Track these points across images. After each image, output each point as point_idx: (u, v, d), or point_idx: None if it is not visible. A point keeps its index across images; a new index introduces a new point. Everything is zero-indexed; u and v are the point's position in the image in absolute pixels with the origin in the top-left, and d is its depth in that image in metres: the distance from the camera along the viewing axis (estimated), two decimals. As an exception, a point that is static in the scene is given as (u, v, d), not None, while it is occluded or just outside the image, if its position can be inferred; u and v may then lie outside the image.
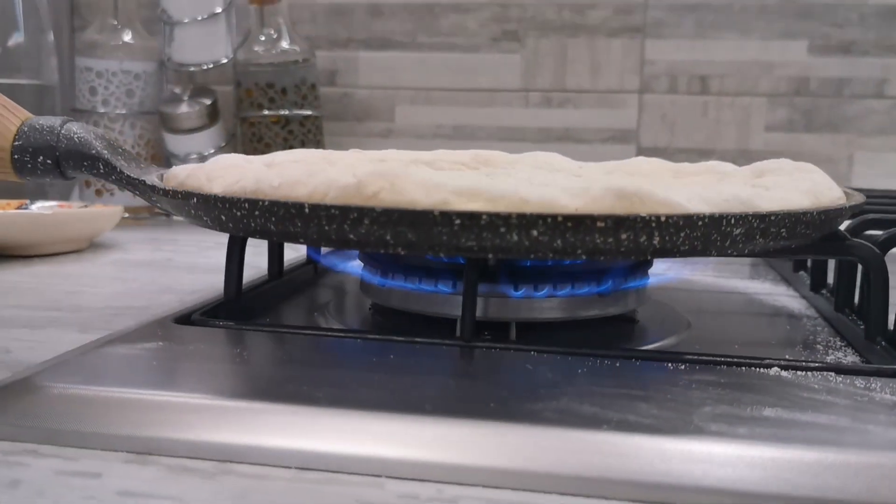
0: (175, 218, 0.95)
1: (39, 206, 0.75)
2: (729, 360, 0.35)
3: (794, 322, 0.47)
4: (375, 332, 0.39)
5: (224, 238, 0.42)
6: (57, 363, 0.33)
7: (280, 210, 0.31)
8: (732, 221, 0.30)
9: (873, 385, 0.32)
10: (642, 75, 0.95)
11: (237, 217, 0.32)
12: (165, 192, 0.35)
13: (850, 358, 0.38)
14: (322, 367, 0.34)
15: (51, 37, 0.89)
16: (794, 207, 0.33)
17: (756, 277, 0.62)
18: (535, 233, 0.29)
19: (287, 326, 0.40)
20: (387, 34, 0.99)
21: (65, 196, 0.91)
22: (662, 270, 0.47)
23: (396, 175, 0.29)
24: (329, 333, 0.38)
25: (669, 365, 0.34)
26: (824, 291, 0.51)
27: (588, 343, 0.38)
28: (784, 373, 0.33)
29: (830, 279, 0.50)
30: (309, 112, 0.90)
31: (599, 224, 0.28)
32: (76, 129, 0.40)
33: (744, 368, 0.34)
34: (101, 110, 0.89)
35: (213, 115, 0.90)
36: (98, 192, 0.91)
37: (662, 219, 0.29)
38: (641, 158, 0.51)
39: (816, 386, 0.32)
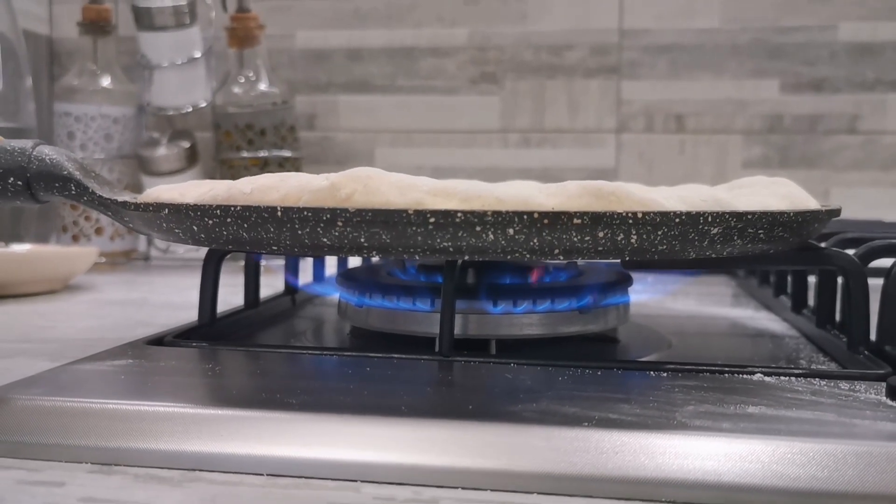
0: (153, 260, 0.94)
1: (15, 247, 0.74)
2: (711, 368, 0.34)
3: (776, 341, 0.47)
4: (352, 350, 0.38)
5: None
6: (21, 380, 0.32)
7: (252, 215, 0.30)
8: (710, 220, 0.30)
9: (858, 387, 0.32)
10: (619, 115, 0.96)
11: (209, 226, 0.31)
12: (136, 207, 0.35)
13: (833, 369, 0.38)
14: (296, 379, 0.33)
15: (29, 82, 0.88)
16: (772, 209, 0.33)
17: (738, 305, 0.62)
18: (511, 231, 0.28)
19: (262, 345, 0.39)
20: (366, 77, 1.00)
21: (41, 240, 0.90)
22: (643, 289, 0.47)
23: (370, 176, 0.29)
24: (305, 351, 0.38)
25: (651, 373, 0.34)
26: (805, 311, 0.51)
27: (569, 358, 0.38)
28: (768, 378, 0.33)
29: (811, 301, 0.50)
30: (288, 153, 0.90)
31: (576, 221, 0.28)
32: (48, 151, 0.40)
33: (727, 375, 0.33)
34: (79, 155, 0.88)
35: (191, 157, 0.90)
36: (75, 238, 0.90)
37: (640, 215, 0.28)
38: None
39: (800, 388, 0.31)
